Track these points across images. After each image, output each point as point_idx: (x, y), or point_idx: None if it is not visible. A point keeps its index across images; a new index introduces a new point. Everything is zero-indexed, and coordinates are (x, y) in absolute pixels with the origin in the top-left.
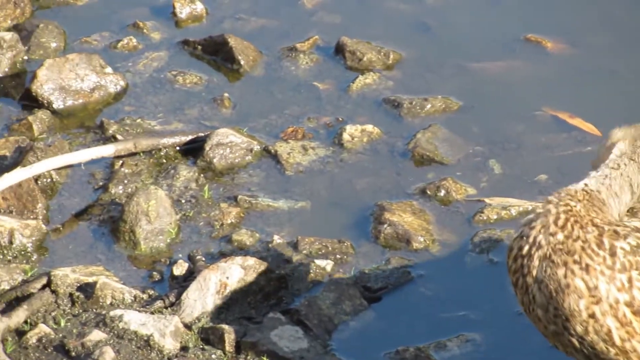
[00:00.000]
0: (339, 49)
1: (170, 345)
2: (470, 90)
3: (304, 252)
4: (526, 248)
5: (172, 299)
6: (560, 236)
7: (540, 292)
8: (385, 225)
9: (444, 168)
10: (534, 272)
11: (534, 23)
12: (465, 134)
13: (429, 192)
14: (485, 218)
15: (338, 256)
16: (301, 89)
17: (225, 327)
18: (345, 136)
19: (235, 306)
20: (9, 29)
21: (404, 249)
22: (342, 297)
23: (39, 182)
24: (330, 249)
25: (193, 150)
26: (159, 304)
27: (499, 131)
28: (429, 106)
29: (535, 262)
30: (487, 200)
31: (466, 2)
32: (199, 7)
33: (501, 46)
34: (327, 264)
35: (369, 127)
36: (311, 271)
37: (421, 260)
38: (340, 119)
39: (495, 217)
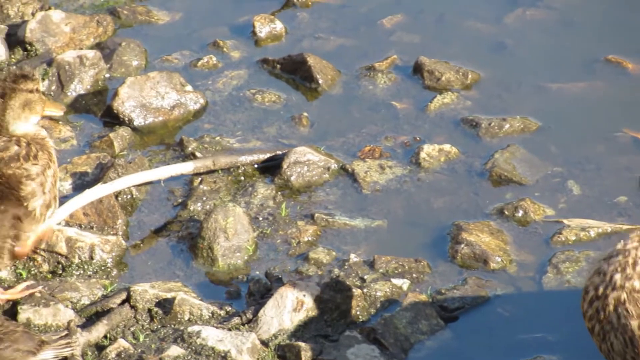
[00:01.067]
0: (417, 69)
1: None
2: (549, 110)
3: (381, 270)
4: (601, 289)
5: (249, 315)
6: (637, 283)
7: (617, 340)
8: (463, 245)
9: (522, 188)
10: (610, 318)
11: (614, 44)
12: (543, 154)
13: (506, 213)
14: (563, 239)
15: (415, 275)
16: (379, 108)
17: (302, 344)
18: (423, 155)
19: (312, 324)
20: (91, 47)
21: (481, 269)
22: (419, 316)
23: (119, 199)
24: (406, 268)
25: (271, 168)
26: (236, 320)
27: (578, 152)
28: (507, 126)
29: (611, 307)
30: (565, 221)
31: (545, 22)
32: (279, 26)
33: (581, 67)
34: (404, 283)
35: (447, 147)
36: (387, 290)
37: (498, 280)
38: (418, 138)
39: (573, 238)
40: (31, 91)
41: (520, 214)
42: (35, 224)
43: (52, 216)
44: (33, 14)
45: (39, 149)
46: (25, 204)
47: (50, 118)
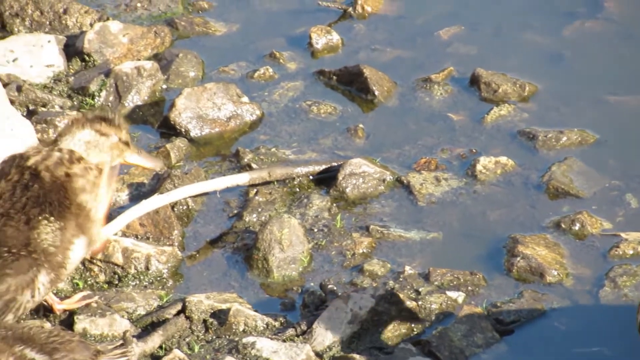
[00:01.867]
0: (474, 81)
1: None
2: (607, 123)
3: (436, 283)
4: None
5: (303, 327)
6: None
7: None
8: (519, 258)
9: (579, 201)
10: None
11: None
12: (601, 167)
13: (563, 226)
14: (621, 253)
15: (470, 288)
16: (435, 120)
17: (357, 356)
18: (479, 167)
19: (366, 336)
20: (149, 58)
21: (537, 283)
22: (474, 329)
23: (176, 209)
24: (462, 280)
25: (326, 179)
26: (290, 331)
27: (636, 165)
28: (564, 139)
29: None
30: (623, 235)
31: (603, 35)
32: (335, 37)
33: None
34: (459, 296)
35: (503, 159)
36: (442, 302)
37: (554, 294)
38: (474, 150)
39: (631, 252)
40: (104, 134)
41: (577, 227)
42: (95, 225)
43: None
44: (91, 25)
45: (88, 164)
46: (78, 200)
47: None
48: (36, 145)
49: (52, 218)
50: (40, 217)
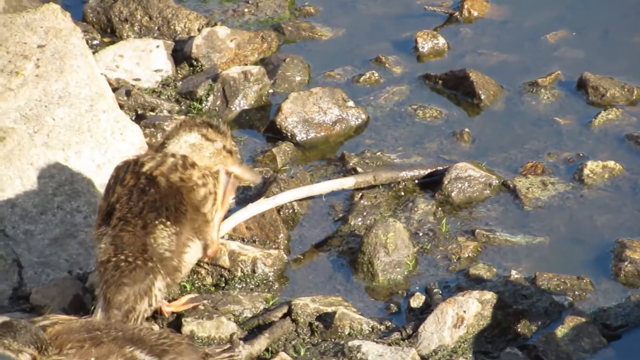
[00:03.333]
0: (581, 84)
1: None
2: None
3: (542, 287)
4: None
5: (409, 331)
6: None
7: None
8: (626, 263)
9: None
10: None
11: None
12: None
13: None
14: None
15: (577, 292)
16: (541, 124)
17: None
18: (586, 172)
19: (472, 340)
20: (256, 63)
21: None
22: (581, 334)
23: (282, 213)
24: (568, 285)
25: (431, 183)
26: (396, 335)
27: None
28: None
29: None
30: None
31: None
32: (441, 41)
33: None
34: (566, 300)
35: (611, 163)
36: (549, 307)
37: None
38: (581, 154)
39: None
40: (209, 139)
41: None
42: (210, 229)
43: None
44: (199, 30)
45: (202, 170)
46: (194, 205)
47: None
48: (148, 151)
49: (168, 223)
50: (157, 222)
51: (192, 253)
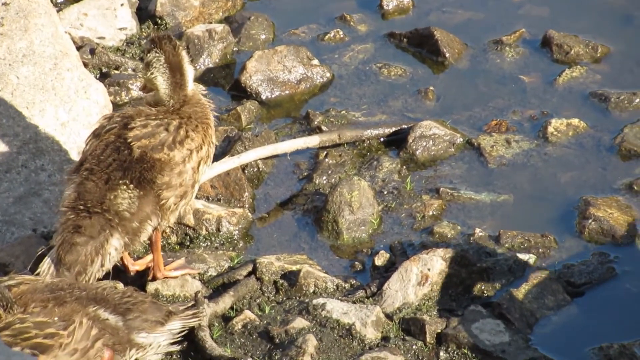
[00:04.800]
0: (546, 42)
1: (372, 334)
2: None
3: (506, 245)
4: None
5: (373, 289)
6: None
7: None
8: (590, 220)
9: None
10: None
11: None
12: None
13: (635, 188)
14: None
15: (541, 250)
16: (506, 82)
17: (427, 318)
18: (551, 129)
19: (436, 298)
20: (220, 21)
21: (609, 245)
22: (545, 291)
23: (246, 172)
24: (532, 242)
25: (396, 142)
26: (360, 293)
27: None
28: (637, 100)
29: None
30: None
31: None
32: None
33: None
34: (530, 258)
35: (575, 121)
36: (513, 265)
37: (626, 256)
38: (546, 112)
39: None
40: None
41: None
42: (170, 213)
43: (187, 206)
44: None
45: (194, 126)
46: (158, 193)
47: None
48: (142, 108)
49: (131, 185)
50: (120, 182)
51: (153, 223)
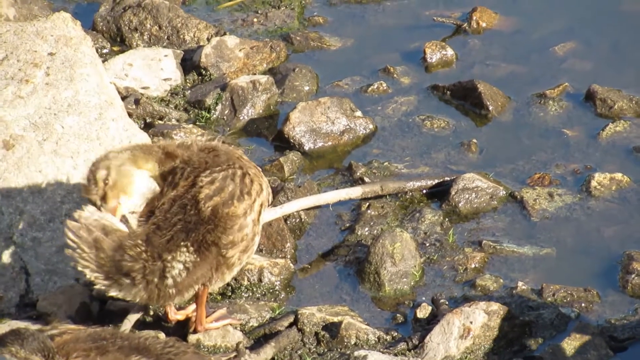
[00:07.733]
0: (589, 96)
1: None
2: None
3: (549, 299)
4: None
5: (415, 341)
6: None
7: None
8: (634, 275)
9: None
10: None
11: None
12: None
13: None
14: None
15: (583, 304)
16: (549, 135)
17: None
18: (594, 184)
19: (478, 351)
20: (264, 72)
21: None
22: (587, 346)
23: (288, 222)
24: (575, 297)
25: (438, 194)
26: (402, 345)
27: None
28: None
29: None
30: None
31: None
32: (449, 52)
33: None
34: (572, 312)
35: (618, 176)
36: (555, 319)
37: None
38: (589, 166)
39: None
40: None
41: None
42: (230, 271)
43: (247, 260)
44: (208, 40)
45: (252, 174)
46: (223, 252)
47: None
48: (215, 158)
49: (192, 249)
50: (182, 243)
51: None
